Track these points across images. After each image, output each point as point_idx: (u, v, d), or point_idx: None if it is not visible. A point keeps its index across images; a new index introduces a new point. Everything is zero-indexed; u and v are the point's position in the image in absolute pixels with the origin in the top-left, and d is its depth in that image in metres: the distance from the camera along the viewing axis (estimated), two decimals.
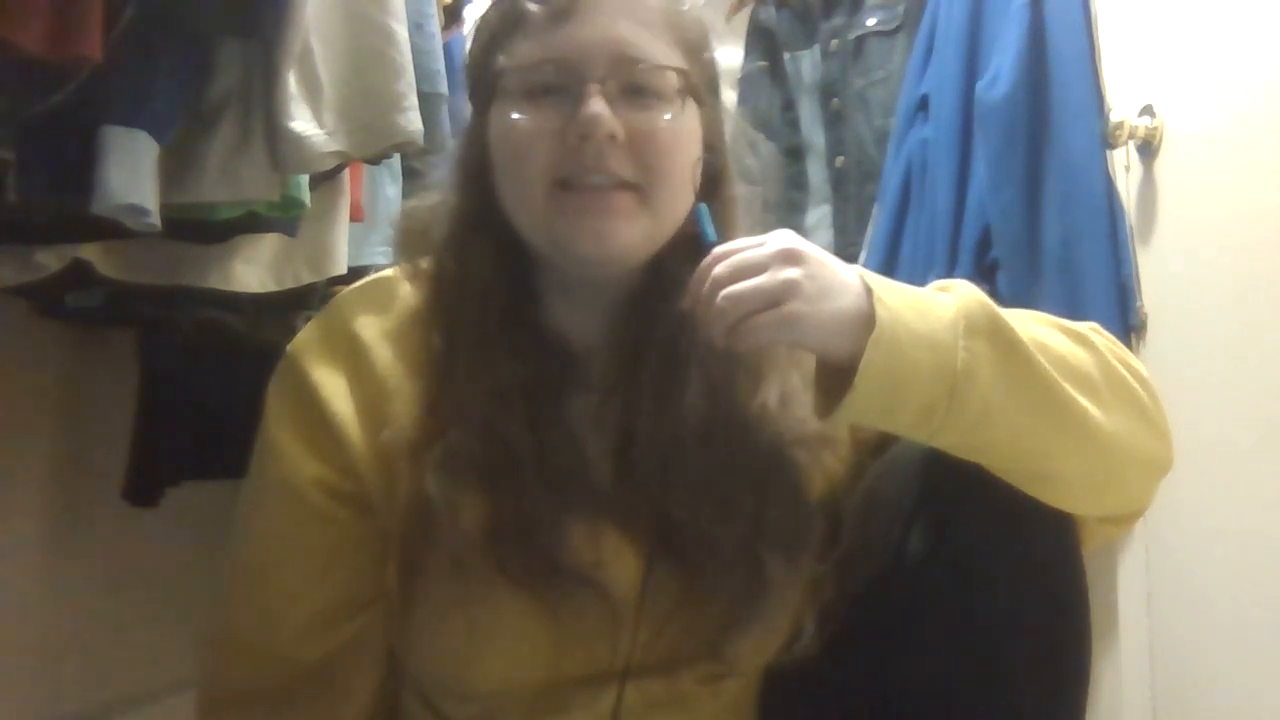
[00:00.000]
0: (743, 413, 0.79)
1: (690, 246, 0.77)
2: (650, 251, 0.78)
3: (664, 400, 0.78)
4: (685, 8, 0.81)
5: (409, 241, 0.84)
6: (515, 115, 0.75)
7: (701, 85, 0.80)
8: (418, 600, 0.78)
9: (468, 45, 0.84)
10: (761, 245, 0.70)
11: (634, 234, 0.76)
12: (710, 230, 0.76)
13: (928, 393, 0.68)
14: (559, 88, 0.75)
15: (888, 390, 0.68)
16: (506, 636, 0.75)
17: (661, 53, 0.77)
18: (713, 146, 0.81)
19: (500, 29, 0.78)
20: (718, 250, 0.72)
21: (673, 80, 0.77)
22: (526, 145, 0.75)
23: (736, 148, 0.85)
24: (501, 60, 0.77)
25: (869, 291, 0.69)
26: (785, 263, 0.69)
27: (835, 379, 0.70)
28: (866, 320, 0.68)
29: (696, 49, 0.80)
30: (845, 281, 0.70)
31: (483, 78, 0.79)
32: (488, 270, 0.79)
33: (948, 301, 0.71)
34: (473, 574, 0.74)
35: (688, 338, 0.77)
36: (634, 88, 0.75)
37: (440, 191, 0.85)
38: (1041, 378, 0.70)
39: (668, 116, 0.76)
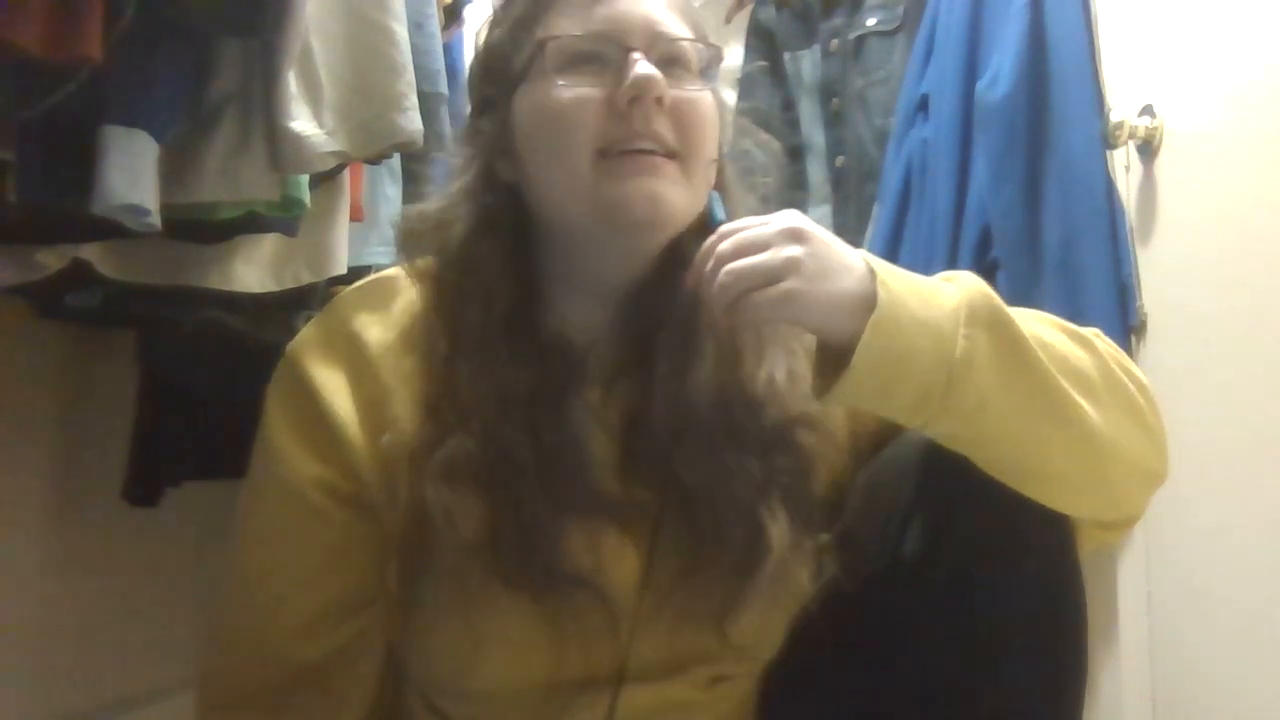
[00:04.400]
0: (751, 385, 0.80)
1: (704, 230, 0.77)
2: (685, 225, 0.79)
3: (678, 375, 0.78)
4: (697, 3, 0.84)
5: (410, 243, 0.84)
6: (560, 83, 0.76)
7: (714, 72, 0.82)
8: (417, 603, 0.78)
9: (481, 35, 0.85)
10: (766, 224, 0.71)
11: (680, 200, 0.77)
12: (721, 214, 0.78)
13: (925, 378, 0.68)
14: (601, 57, 0.76)
15: (885, 373, 0.68)
16: (505, 640, 0.75)
17: (689, 31, 0.80)
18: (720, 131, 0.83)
19: (532, 9, 0.80)
20: (724, 228, 0.72)
21: (702, 56, 0.80)
22: (572, 113, 0.76)
23: (737, 146, 0.86)
24: (539, 36, 0.78)
25: (872, 274, 0.70)
26: (788, 241, 0.69)
27: (834, 360, 0.71)
28: (867, 302, 0.68)
29: (705, 38, 0.83)
30: (848, 263, 0.70)
31: (512, 57, 0.80)
32: (493, 270, 0.79)
33: (951, 290, 0.71)
34: (472, 579, 0.74)
35: (701, 315, 0.78)
36: (671, 59, 0.78)
37: (443, 194, 0.84)
38: (1040, 372, 0.70)
39: (700, 89, 0.79)
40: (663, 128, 0.76)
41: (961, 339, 0.68)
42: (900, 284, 0.70)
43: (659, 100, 0.75)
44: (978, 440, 0.73)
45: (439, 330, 0.79)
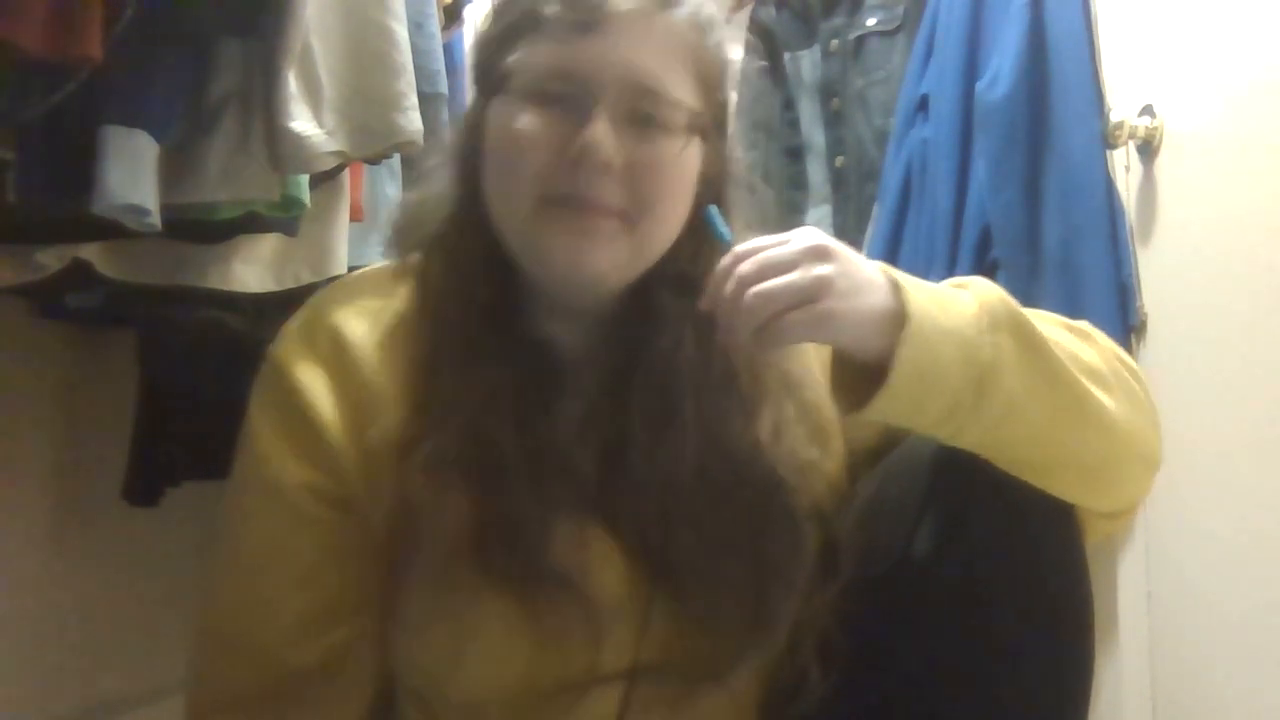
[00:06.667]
0: (736, 447, 0.78)
1: (678, 282, 0.76)
2: (629, 277, 0.77)
3: (657, 437, 0.76)
4: (711, 42, 0.80)
5: (402, 235, 0.84)
6: (518, 115, 0.75)
7: (710, 122, 0.79)
8: (403, 602, 0.77)
9: (481, 28, 0.83)
10: (787, 242, 0.69)
11: (613, 259, 0.75)
12: (724, 230, 0.75)
13: (956, 389, 0.68)
14: (567, 97, 0.74)
15: (919, 387, 0.68)
16: (488, 639, 0.74)
17: (677, 85, 0.76)
18: (712, 180, 0.80)
19: (521, 22, 0.77)
20: (739, 249, 0.70)
21: (682, 116, 0.76)
22: (522, 150, 0.74)
23: (738, 183, 0.83)
24: (516, 56, 0.76)
25: (897, 288, 0.69)
26: (815, 259, 0.68)
27: (859, 378, 0.70)
28: (895, 317, 0.68)
29: (713, 86, 0.80)
30: (872, 278, 0.70)
31: (492, 66, 0.78)
32: (474, 269, 0.78)
33: (968, 298, 0.71)
34: (457, 576, 0.73)
35: (681, 371, 0.76)
36: (641, 116, 0.75)
37: (435, 182, 0.84)
38: (1061, 372, 0.71)
39: (669, 149, 0.75)
40: (610, 188, 0.73)
41: (987, 346, 0.68)
42: (923, 295, 0.69)
43: (607, 165, 0.72)
44: (1003, 444, 0.73)
45: (424, 326, 0.79)
